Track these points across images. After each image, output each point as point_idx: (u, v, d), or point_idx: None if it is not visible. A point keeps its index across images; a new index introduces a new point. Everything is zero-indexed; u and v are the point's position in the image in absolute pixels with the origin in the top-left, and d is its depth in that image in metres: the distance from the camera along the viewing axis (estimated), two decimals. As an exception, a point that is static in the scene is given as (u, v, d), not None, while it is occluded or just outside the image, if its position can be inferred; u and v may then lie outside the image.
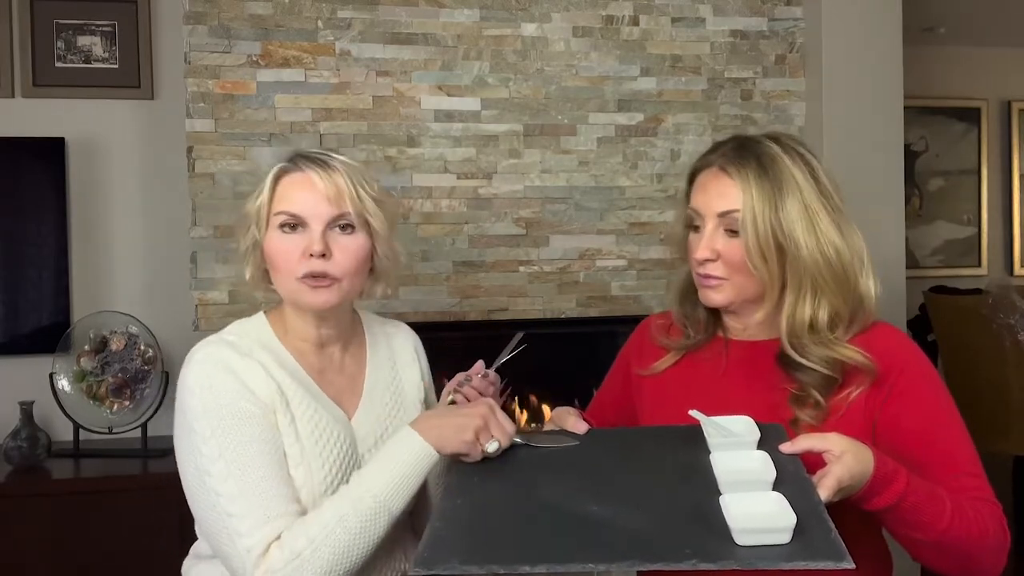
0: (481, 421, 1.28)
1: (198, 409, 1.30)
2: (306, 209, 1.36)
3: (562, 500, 1.14)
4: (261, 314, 1.46)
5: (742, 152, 1.36)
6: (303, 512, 1.30)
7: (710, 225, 1.35)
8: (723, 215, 1.34)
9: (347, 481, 1.34)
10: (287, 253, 1.36)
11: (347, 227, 1.38)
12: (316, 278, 1.35)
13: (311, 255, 1.35)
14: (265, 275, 1.42)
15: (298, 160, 1.39)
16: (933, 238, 5.08)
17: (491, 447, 1.28)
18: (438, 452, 1.30)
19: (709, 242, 1.35)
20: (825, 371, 1.30)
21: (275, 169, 1.40)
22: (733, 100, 3.05)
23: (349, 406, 1.45)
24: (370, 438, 1.44)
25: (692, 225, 1.39)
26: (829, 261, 1.31)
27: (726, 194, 1.33)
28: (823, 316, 1.32)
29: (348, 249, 1.37)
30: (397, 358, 1.55)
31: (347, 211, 1.37)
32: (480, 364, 1.50)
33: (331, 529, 1.25)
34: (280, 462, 1.32)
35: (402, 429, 1.33)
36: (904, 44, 3.10)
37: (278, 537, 1.25)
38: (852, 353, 1.30)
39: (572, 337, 3.05)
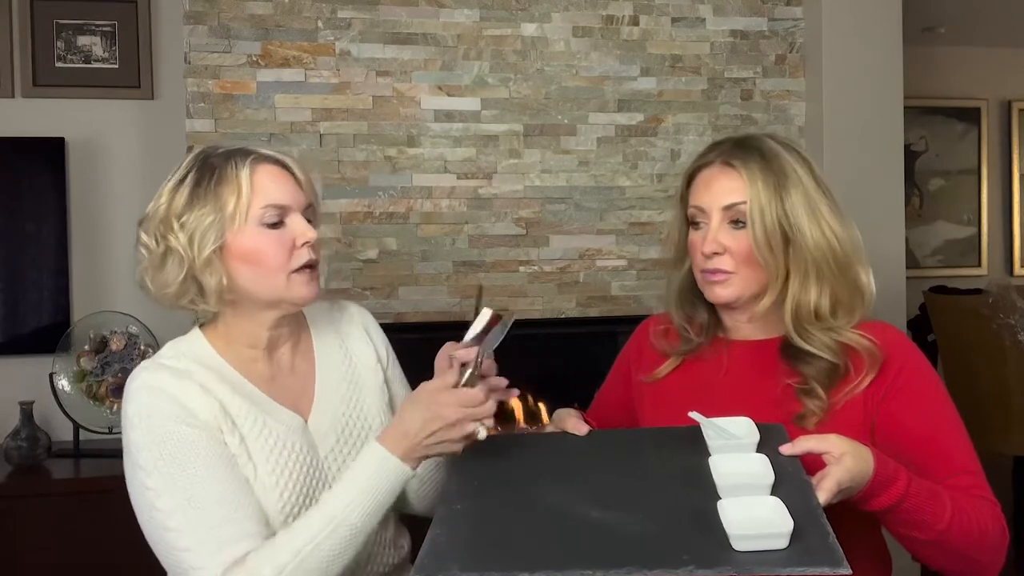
0: (455, 418, 1.22)
1: (139, 442, 1.24)
2: (286, 198, 1.30)
3: (561, 505, 1.14)
4: (196, 330, 1.37)
5: (744, 147, 1.38)
6: (267, 531, 1.23)
7: (715, 219, 1.35)
8: (728, 208, 1.34)
9: (308, 493, 1.29)
10: (277, 248, 1.28)
11: (311, 215, 1.35)
12: (312, 269, 1.31)
13: (306, 244, 1.29)
14: (200, 287, 1.29)
15: (254, 152, 1.31)
16: (933, 238, 5.07)
17: (481, 434, 1.23)
18: (416, 468, 1.25)
19: (715, 235, 1.35)
20: (829, 358, 1.31)
21: (247, 162, 1.28)
22: (733, 100, 3.05)
23: (305, 408, 1.38)
24: (330, 436, 1.37)
25: (693, 223, 1.40)
26: (832, 248, 1.33)
27: (731, 187, 1.35)
28: (826, 303, 1.33)
29: (316, 237, 1.33)
30: (347, 342, 1.47)
31: (312, 199, 1.35)
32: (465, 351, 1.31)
33: (304, 556, 1.19)
34: (234, 481, 1.24)
35: (373, 450, 1.25)
36: (904, 44, 3.10)
37: (237, 562, 1.18)
38: (856, 337, 1.32)
39: (572, 337, 3.04)
